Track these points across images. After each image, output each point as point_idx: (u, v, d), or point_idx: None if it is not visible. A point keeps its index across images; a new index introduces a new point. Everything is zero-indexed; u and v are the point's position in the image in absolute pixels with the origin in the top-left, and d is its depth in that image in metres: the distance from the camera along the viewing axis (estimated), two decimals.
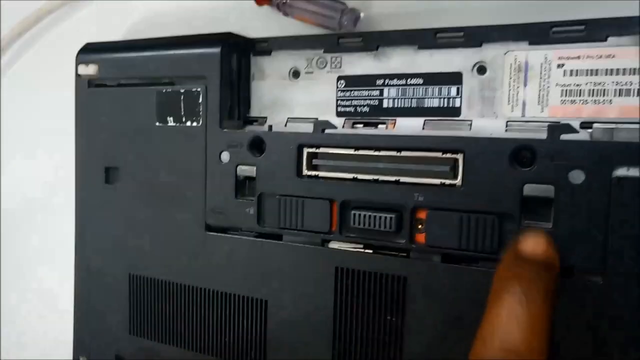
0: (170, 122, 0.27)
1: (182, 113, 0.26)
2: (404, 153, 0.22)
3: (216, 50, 0.25)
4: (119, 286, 0.29)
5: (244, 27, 0.28)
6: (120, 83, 0.28)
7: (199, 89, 0.26)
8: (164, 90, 0.27)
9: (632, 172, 0.18)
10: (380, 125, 0.24)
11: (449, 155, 0.21)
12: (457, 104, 0.23)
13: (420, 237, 0.22)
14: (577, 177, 0.19)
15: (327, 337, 0.23)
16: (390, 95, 0.24)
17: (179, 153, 0.26)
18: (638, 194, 0.18)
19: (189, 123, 0.26)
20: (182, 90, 0.26)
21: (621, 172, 0.18)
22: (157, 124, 0.27)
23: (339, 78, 0.25)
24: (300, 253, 0.24)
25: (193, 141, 0.26)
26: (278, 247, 0.24)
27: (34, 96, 0.37)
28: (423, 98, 0.24)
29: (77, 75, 0.29)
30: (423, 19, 0.26)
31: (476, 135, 0.21)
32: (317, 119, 0.25)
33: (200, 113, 0.26)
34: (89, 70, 0.28)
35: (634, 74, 0.20)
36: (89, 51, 0.29)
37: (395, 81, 0.24)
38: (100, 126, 0.29)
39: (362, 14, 0.26)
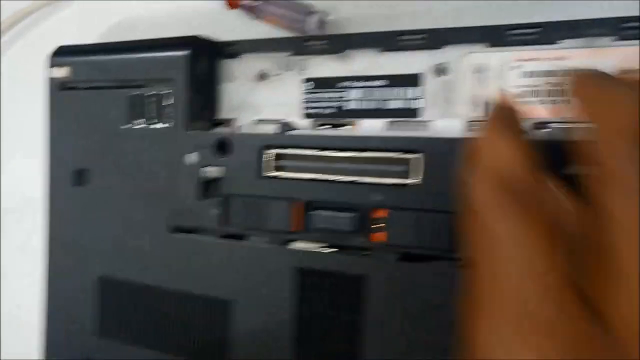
0: (139, 124, 0.27)
1: (151, 115, 0.26)
2: (365, 154, 0.22)
3: (184, 53, 0.26)
4: (88, 289, 0.29)
5: (215, 30, 0.28)
6: (92, 86, 0.28)
7: (167, 92, 0.26)
8: (133, 93, 0.27)
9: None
10: (344, 127, 0.24)
11: (408, 155, 0.21)
12: (418, 105, 0.23)
13: (381, 236, 0.22)
14: None
15: (289, 337, 0.23)
16: (354, 97, 0.24)
17: (147, 155, 0.26)
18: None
19: (157, 125, 0.26)
20: (151, 93, 0.26)
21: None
22: (127, 126, 0.27)
23: (305, 80, 0.25)
24: (260, 253, 0.24)
25: (161, 143, 0.26)
26: (239, 248, 0.24)
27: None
28: (386, 100, 0.24)
29: (50, 78, 0.29)
30: (390, 22, 0.26)
31: (435, 136, 0.21)
32: (283, 120, 0.25)
33: (168, 115, 0.26)
34: (61, 72, 0.28)
35: None
36: (61, 54, 0.29)
37: (359, 83, 0.24)
38: (71, 128, 0.29)
39: (329, 17, 0.27)
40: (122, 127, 0.27)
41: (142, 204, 0.27)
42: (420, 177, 0.21)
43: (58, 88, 0.29)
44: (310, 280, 0.23)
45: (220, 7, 0.29)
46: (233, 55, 0.27)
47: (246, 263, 0.24)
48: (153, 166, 0.27)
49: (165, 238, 0.26)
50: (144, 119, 0.27)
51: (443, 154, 0.21)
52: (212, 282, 0.25)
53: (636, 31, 0.20)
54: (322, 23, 0.26)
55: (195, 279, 0.26)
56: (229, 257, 0.25)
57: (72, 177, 0.29)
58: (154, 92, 0.26)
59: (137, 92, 0.27)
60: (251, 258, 0.24)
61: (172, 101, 0.26)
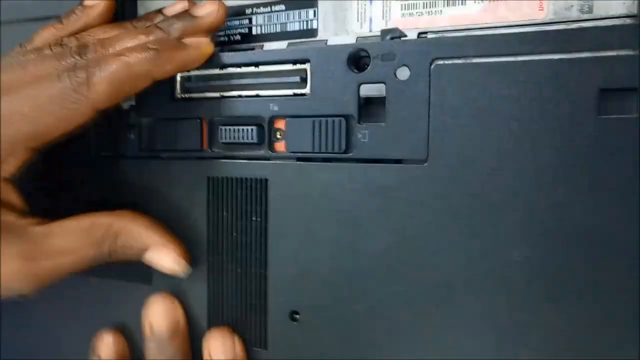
0: None
1: None
2: (261, 68, 0.24)
3: None
4: None
5: None
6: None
7: None
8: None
9: (449, 62, 0.20)
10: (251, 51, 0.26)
11: (298, 66, 0.23)
12: (315, 26, 0.25)
13: (281, 146, 0.24)
14: (403, 74, 0.21)
15: (203, 245, 0.25)
16: (258, 23, 0.26)
17: None
18: (455, 78, 0.20)
19: None
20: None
21: (439, 62, 0.20)
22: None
23: None
24: (175, 167, 0.26)
25: None
26: (156, 164, 0.26)
27: None
28: (285, 22, 0.25)
29: None
30: None
31: (317, 46, 0.23)
32: None
33: None
34: None
35: None
36: None
37: (261, 9, 0.26)
38: None
39: None
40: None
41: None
42: (309, 85, 0.23)
43: None
44: (219, 188, 0.25)
45: None
46: None
47: (161, 179, 0.26)
48: None
49: (94, 164, 0.28)
50: None
51: (325, 61, 0.22)
52: (134, 200, 0.27)
53: None
54: None
55: (119, 199, 0.27)
56: (146, 175, 0.26)
57: None
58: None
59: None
60: (165, 173, 0.26)
61: None
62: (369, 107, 0.22)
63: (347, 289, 0.22)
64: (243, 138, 0.24)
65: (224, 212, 0.25)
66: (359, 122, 0.22)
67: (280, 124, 0.24)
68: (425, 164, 0.21)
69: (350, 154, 0.22)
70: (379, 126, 0.22)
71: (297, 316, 0.24)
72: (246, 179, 0.24)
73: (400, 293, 0.21)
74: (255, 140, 0.24)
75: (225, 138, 0.25)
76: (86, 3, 0.26)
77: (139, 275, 0.27)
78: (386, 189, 0.21)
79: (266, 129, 0.24)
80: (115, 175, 0.27)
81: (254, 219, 0.24)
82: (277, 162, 0.24)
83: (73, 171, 0.28)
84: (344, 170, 0.22)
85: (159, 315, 0.25)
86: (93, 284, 0.28)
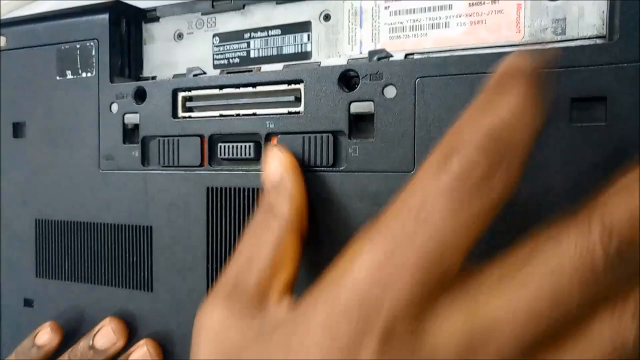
0: (69, 75, 0.30)
1: (79, 66, 0.29)
2: (258, 88, 0.25)
3: (105, 16, 0.29)
4: (25, 232, 0.31)
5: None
6: (25, 46, 0.31)
7: (92, 44, 0.29)
8: (62, 47, 0.30)
9: (430, 79, 0.22)
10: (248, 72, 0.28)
11: (292, 86, 0.25)
12: (309, 49, 0.26)
13: None
14: (390, 92, 0.23)
15: (202, 252, 0.26)
16: (255, 47, 0.28)
17: (76, 103, 0.29)
18: (438, 95, 0.21)
19: (84, 74, 0.29)
20: (77, 46, 0.29)
21: (423, 80, 0.22)
22: (58, 78, 0.30)
23: (214, 35, 0.29)
24: (176, 179, 0.27)
25: (88, 91, 0.29)
26: (159, 177, 0.27)
27: None
28: (282, 46, 0.27)
29: None
30: None
31: (310, 67, 0.25)
32: (193, 68, 0.28)
33: (94, 64, 0.29)
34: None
35: (442, 9, 0.24)
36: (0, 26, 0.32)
37: (259, 34, 0.28)
38: (9, 88, 0.32)
39: None
40: (56, 78, 0.30)
41: (74, 148, 0.30)
42: (302, 104, 0.24)
43: None
44: (219, 197, 0.26)
45: None
46: (154, 19, 0.30)
47: (163, 190, 0.27)
48: (81, 113, 0.29)
49: (95, 176, 0.29)
50: (71, 70, 0.30)
51: (318, 81, 0.24)
52: (135, 211, 0.28)
53: None
54: None
55: (120, 211, 0.28)
56: (149, 187, 0.28)
57: (10, 130, 0.31)
58: (79, 45, 0.29)
59: (67, 46, 0.30)
60: (167, 185, 0.27)
61: (94, 53, 0.29)
62: (359, 124, 0.23)
63: None
64: (241, 154, 0.26)
65: (224, 221, 0.26)
66: (349, 138, 0.23)
67: (276, 140, 0.25)
68: (411, 172, 0.22)
69: (342, 168, 0.23)
70: (368, 141, 0.23)
71: None
72: (243, 189, 0.25)
73: None
74: (252, 156, 0.25)
75: (224, 154, 0.26)
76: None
77: (140, 282, 0.28)
78: (375, 195, 0.22)
79: (263, 145, 0.25)
80: (115, 185, 0.29)
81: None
82: None
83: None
84: (334, 178, 0.23)
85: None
86: (94, 290, 0.29)
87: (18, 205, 0.31)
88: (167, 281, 0.27)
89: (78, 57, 0.29)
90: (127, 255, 0.28)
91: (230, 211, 0.26)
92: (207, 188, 0.26)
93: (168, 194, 0.27)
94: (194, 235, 0.26)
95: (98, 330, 0.28)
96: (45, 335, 0.29)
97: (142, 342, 0.27)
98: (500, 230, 0.17)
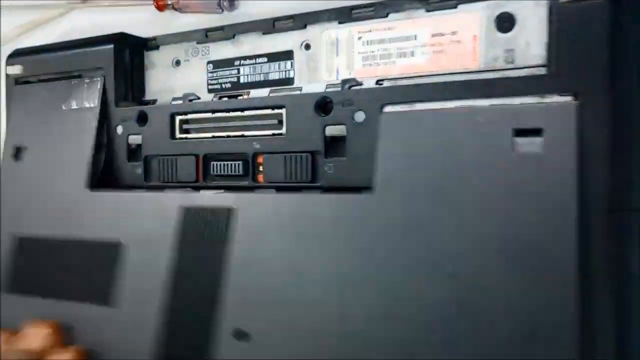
0: (74, 105, 0.33)
1: (83, 97, 0.32)
2: (246, 112, 0.28)
3: (110, 46, 0.32)
4: (6, 249, 0.33)
5: (149, 29, 0.34)
6: (40, 79, 0.34)
7: (98, 78, 0.32)
8: (72, 82, 0.33)
9: (396, 107, 0.24)
10: (239, 97, 0.31)
11: (276, 111, 0.27)
12: (292, 75, 0.29)
13: (261, 177, 0.28)
14: (360, 117, 0.25)
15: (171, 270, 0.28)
16: (245, 73, 0.31)
17: (79, 129, 0.32)
18: (399, 123, 0.24)
19: (87, 104, 0.32)
20: (86, 80, 0.33)
21: (388, 108, 0.24)
22: (64, 108, 0.33)
23: (208, 63, 0.32)
24: (147, 199, 0.29)
25: (89, 118, 0.32)
26: (136, 197, 0.30)
27: None
28: (268, 72, 0.30)
29: (6, 75, 0.35)
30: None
31: (292, 93, 0.27)
32: (189, 94, 0.31)
33: (97, 96, 0.32)
34: (15, 70, 0.34)
35: (409, 40, 0.26)
36: (16, 55, 0.35)
37: (247, 61, 0.30)
38: (22, 115, 0.35)
39: None
40: (62, 108, 0.33)
41: (65, 169, 0.32)
42: (284, 127, 0.27)
43: (13, 83, 0.35)
44: (192, 216, 0.28)
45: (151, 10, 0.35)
46: (154, 47, 0.33)
47: (136, 210, 0.29)
48: (82, 137, 0.32)
49: (85, 195, 0.31)
50: (76, 101, 0.33)
51: (298, 107, 0.27)
52: (108, 228, 0.30)
53: (441, 3, 0.26)
54: (232, 3, 0.32)
55: (96, 227, 0.30)
56: (124, 206, 0.30)
57: (13, 153, 0.34)
58: (87, 79, 0.33)
59: (76, 82, 0.33)
60: (141, 204, 0.30)
61: (100, 86, 0.32)
62: (334, 144, 0.26)
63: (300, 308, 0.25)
64: (231, 171, 0.28)
65: (194, 239, 0.28)
66: (325, 157, 0.26)
67: (261, 159, 0.28)
68: (373, 193, 0.24)
69: (318, 184, 0.26)
70: (341, 160, 0.26)
71: (248, 337, 0.26)
72: (216, 207, 0.28)
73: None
74: (241, 172, 0.28)
75: (217, 171, 0.29)
76: None
77: (96, 296, 0.30)
78: (343, 213, 0.25)
79: (250, 163, 0.28)
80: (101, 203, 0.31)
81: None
82: (249, 191, 0.28)
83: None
84: (304, 198, 0.26)
85: None
86: (51, 305, 0.31)
87: (7, 223, 0.34)
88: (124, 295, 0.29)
89: (85, 90, 0.32)
90: (98, 270, 0.30)
91: (203, 230, 0.27)
92: (180, 207, 0.28)
93: (141, 213, 0.29)
94: (164, 255, 0.28)
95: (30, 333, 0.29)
96: None
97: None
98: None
